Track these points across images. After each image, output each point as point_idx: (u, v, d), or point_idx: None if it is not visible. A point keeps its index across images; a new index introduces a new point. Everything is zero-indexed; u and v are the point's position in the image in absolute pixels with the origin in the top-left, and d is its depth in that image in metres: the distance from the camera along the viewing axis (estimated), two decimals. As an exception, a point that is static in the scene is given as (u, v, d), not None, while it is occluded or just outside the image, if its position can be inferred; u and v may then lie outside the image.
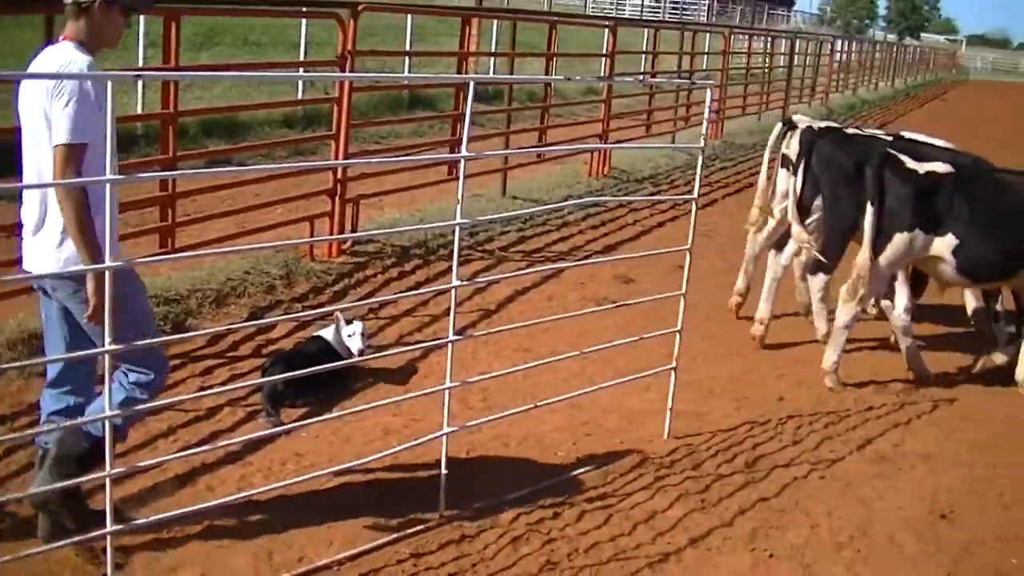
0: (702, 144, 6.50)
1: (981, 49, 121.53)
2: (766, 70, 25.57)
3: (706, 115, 6.51)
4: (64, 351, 4.90)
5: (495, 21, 20.30)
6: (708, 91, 6.50)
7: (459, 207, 5.20)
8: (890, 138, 8.75)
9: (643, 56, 20.50)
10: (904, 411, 7.69)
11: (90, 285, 4.48)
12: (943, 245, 7.83)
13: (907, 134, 9.30)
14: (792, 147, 8.75)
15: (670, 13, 61.87)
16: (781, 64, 26.66)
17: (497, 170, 12.84)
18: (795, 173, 8.41)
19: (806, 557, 5.51)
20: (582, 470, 6.13)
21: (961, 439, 7.31)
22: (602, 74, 15.77)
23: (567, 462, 6.25)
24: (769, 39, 27.70)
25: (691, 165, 17.19)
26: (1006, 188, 8.08)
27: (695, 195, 6.57)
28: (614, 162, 15.43)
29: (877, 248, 7.80)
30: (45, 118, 4.51)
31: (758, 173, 17.50)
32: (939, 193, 7.79)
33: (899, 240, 7.80)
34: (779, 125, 9.19)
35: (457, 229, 5.33)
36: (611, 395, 7.04)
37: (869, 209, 7.80)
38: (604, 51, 15.75)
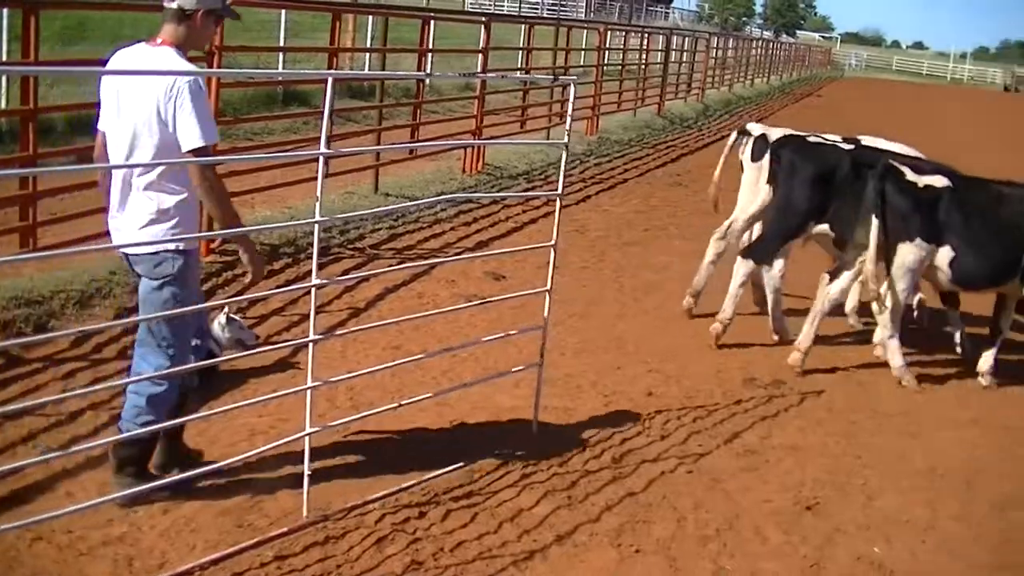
0: (565, 140, 6.46)
1: (855, 47, 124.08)
2: (642, 66, 25.72)
3: (569, 111, 6.48)
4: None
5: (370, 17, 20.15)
6: (571, 87, 6.48)
7: (318, 204, 5.11)
8: (851, 145, 9.21)
9: (519, 52, 20.52)
10: (772, 404, 7.79)
11: (246, 257, 5.37)
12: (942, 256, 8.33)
13: (865, 139, 9.72)
14: (746, 154, 9.38)
15: (549, 10, 62.21)
16: (657, 60, 26.84)
17: (369, 167, 12.74)
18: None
19: (672, 551, 5.54)
20: (449, 468, 6.07)
21: (828, 431, 7.44)
22: (477, 70, 15.73)
23: (434, 461, 6.17)
24: (645, 35, 27.90)
25: (566, 161, 17.22)
26: (1000, 199, 8.50)
27: (559, 191, 6.54)
28: (488, 159, 15.40)
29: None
30: (158, 117, 5.01)
31: (632, 169, 17.76)
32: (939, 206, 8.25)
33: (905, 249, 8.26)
34: (734, 134, 9.74)
35: (317, 227, 5.25)
36: (480, 392, 7.02)
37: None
38: (479, 47, 15.71)
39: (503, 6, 62.08)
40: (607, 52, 23.23)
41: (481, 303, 7.15)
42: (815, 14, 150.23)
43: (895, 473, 6.87)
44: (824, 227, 8.96)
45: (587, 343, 8.61)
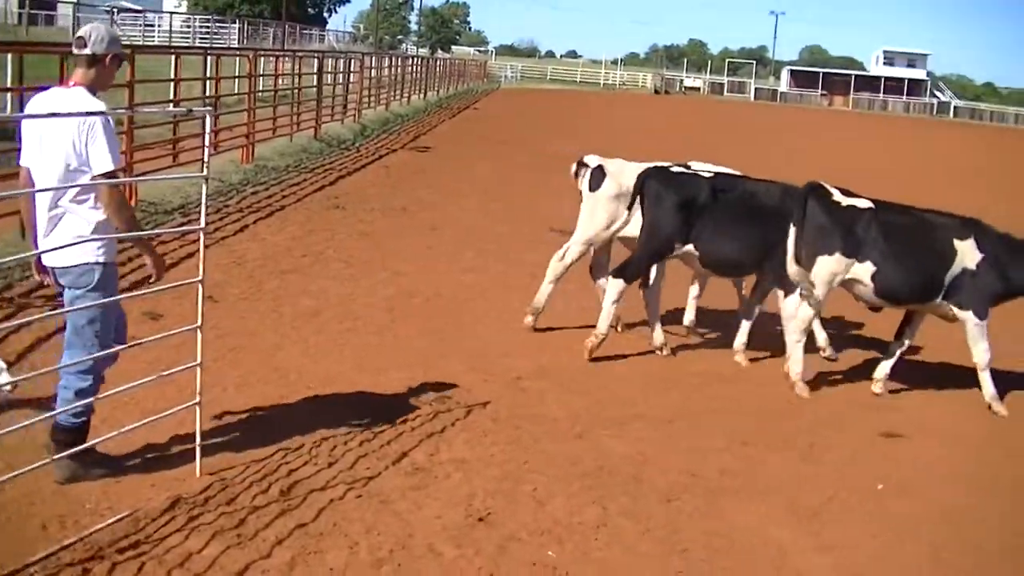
0: (205, 174, 6.36)
1: (510, 59, 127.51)
2: (296, 90, 25.60)
3: (205, 143, 6.39)
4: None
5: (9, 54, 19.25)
6: (207, 119, 6.40)
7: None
8: (710, 172, 10.30)
9: (170, 84, 20.06)
10: (438, 420, 7.90)
11: (149, 260, 6.47)
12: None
13: (695, 164, 10.64)
14: (583, 184, 10.54)
15: (200, 38, 61.08)
16: (312, 84, 26.78)
17: (13, 213, 12.15)
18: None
19: (347, 578, 5.54)
20: (112, 519, 5.86)
21: (494, 440, 7.60)
22: (124, 105, 15.25)
23: (97, 513, 5.95)
24: (298, 59, 27.80)
25: (222, 192, 16.97)
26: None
27: (202, 226, 6.44)
28: (142, 195, 14.96)
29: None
30: (74, 151, 5.85)
31: (290, 195, 17.64)
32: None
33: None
34: (574, 165, 10.77)
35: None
36: (142, 437, 6.80)
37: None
38: (124, 81, 15.25)
39: (153, 38, 60.58)
40: (260, 79, 23.01)
41: (136, 344, 6.94)
42: (470, 29, 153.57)
43: (564, 476, 7.09)
44: (689, 247, 9.89)
45: (248, 376, 8.48)
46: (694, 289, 11.31)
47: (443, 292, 12.11)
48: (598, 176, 10.45)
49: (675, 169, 10.24)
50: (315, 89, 26.51)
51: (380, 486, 6.64)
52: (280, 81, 25.88)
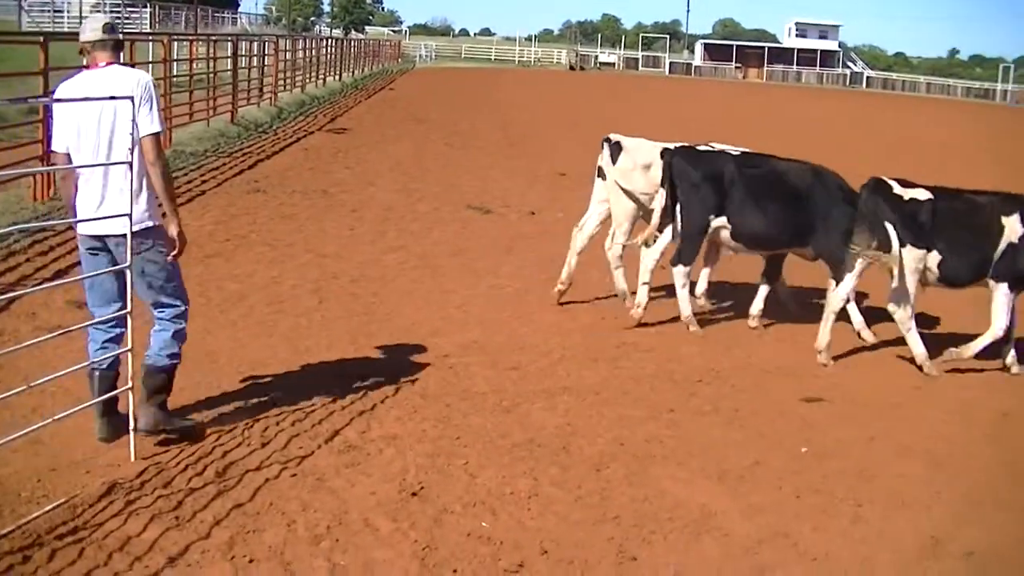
0: (129, 159, 6.37)
1: (425, 38, 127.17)
2: (211, 75, 25.42)
3: (131, 131, 6.39)
4: (112, 296, 6.73)
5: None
6: (127, 104, 6.38)
7: None
8: (738, 152, 10.77)
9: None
10: (368, 398, 7.99)
11: (174, 230, 6.62)
12: None
13: (718, 145, 10.99)
14: (604, 160, 11.02)
15: (111, 23, 60.09)
16: (227, 68, 26.60)
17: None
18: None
19: (286, 555, 5.62)
20: (49, 507, 5.88)
21: (424, 416, 7.70)
22: (40, 93, 15.07)
23: (33, 502, 5.98)
24: (212, 43, 27.59)
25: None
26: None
27: (128, 212, 6.45)
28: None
29: None
30: (134, 121, 6.36)
31: (209, 180, 17.57)
32: None
33: None
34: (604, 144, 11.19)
35: None
36: (75, 425, 6.78)
37: None
38: (37, 68, 15.08)
39: (63, 24, 59.55)
40: (175, 64, 22.82)
41: (63, 332, 6.94)
42: (383, 9, 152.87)
43: (495, 449, 7.21)
44: (722, 219, 10.38)
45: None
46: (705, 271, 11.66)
47: (367, 272, 12.18)
48: (615, 151, 10.95)
49: (700, 147, 10.75)
50: (230, 73, 26.35)
51: (314, 464, 6.73)
52: (195, 66, 25.69)
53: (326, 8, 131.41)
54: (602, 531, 6.14)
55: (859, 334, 10.43)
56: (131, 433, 6.59)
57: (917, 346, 9.61)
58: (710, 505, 6.55)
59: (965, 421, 8.47)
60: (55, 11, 60.84)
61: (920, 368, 9.57)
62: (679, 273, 10.44)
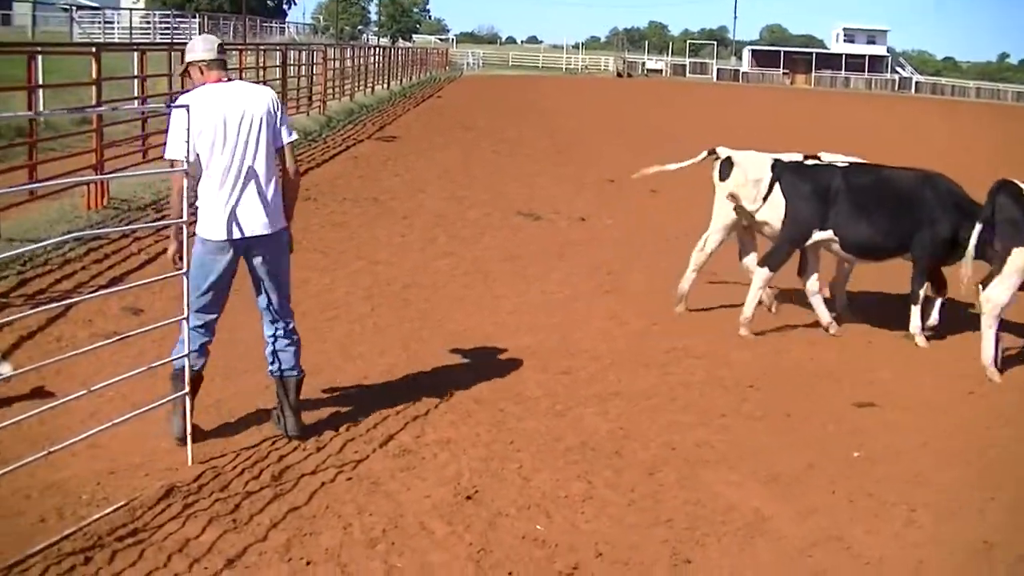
0: (185, 167, 6.47)
1: (471, 46, 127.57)
2: (260, 83, 25.60)
3: (186, 137, 6.49)
4: (224, 301, 7.10)
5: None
6: (186, 112, 6.48)
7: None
8: (846, 162, 10.85)
9: (134, 80, 20.04)
10: (421, 403, 8.04)
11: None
12: None
13: (826, 156, 11.09)
14: (715, 174, 11.09)
15: (161, 34, 60.85)
16: (276, 77, 26.81)
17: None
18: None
19: (342, 558, 5.68)
20: (109, 510, 5.98)
21: (478, 421, 7.75)
22: (94, 103, 15.27)
23: (93, 504, 6.08)
24: (261, 52, 27.82)
25: (191, 187, 16.94)
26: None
27: (184, 218, 6.55)
28: (113, 192, 15.03)
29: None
30: (271, 128, 6.90)
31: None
32: None
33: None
34: (704, 153, 11.35)
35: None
36: (132, 429, 6.90)
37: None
38: (91, 79, 15.28)
39: (113, 35, 60.23)
40: (224, 73, 23.00)
41: (120, 338, 7.05)
42: (429, 17, 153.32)
43: (548, 453, 7.24)
44: (828, 232, 10.43)
45: (234, 366, 8.54)
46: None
47: (419, 279, 12.26)
48: (726, 167, 10.99)
49: (809, 161, 10.86)
50: (280, 82, 26.53)
51: (369, 468, 6.79)
52: (244, 75, 25.89)
53: (373, 17, 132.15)
54: (656, 534, 6.15)
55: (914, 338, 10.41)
56: (188, 438, 6.67)
57: (990, 348, 9.54)
58: (763, 509, 6.55)
59: (1017, 426, 8.41)
60: (106, 22, 61.49)
61: (986, 370, 9.53)
62: (760, 275, 10.55)
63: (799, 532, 6.27)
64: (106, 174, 14.55)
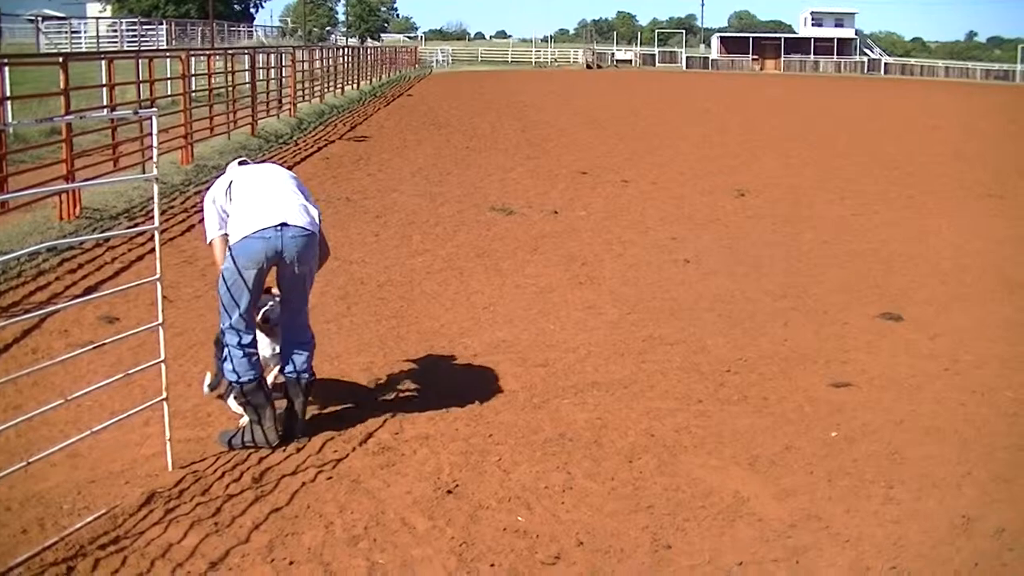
0: (154, 174, 6.47)
1: (440, 43, 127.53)
2: (230, 88, 25.57)
3: (154, 143, 6.51)
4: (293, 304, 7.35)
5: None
6: (152, 120, 6.49)
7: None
8: None
9: (103, 89, 19.99)
10: (400, 399, 8.07)
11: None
12: None
13: None
14: None
15: (128, 42, 60.60)
16: (245, 81, 26.75)
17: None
18: None
19: (325, 556, 5.68)
20: (91, 518, 5.97)
21: (455, 416, 7.75)
22: (60, 113, 15.22)
23: (74, 513, 6.07)
24: (229, 57, 27.75)
25: (165, 194, 16.99)
26: None
27: (156, 225, 6.55)
28: (85, 202, 14.97)
29: None
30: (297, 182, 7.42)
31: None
32: None
33: None
34: None
35: None
36: (112, 437, 6.93)
37: None
38: (59, 88, 15.22)
39: (80, 44, 59.96)
40: (193, 79, 22.99)
41: (96, 346, 7.04)
42: (397, 16, 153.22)
43: (527, 445, 7.25)
44: None
45: (210, 370, 8.55)
46: None
47: (394, 277, 12.28)
48: None
49: None
50: (249, 86, 26.49)
51: (349, 467, 6.80)
52: (213, 80, 25.85)
53: (341, 17, 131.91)
54: (636, 520, 6.19)
55: None
56: (167, 443, 6.68)
57: None
58: (742, 491, 6.59)
59: (990, 402, 8.47)
60: (72, 32, 61.23)
61: None
62: None
63: (778, 513, 6.32)
64: (76, 184, 14.50)
